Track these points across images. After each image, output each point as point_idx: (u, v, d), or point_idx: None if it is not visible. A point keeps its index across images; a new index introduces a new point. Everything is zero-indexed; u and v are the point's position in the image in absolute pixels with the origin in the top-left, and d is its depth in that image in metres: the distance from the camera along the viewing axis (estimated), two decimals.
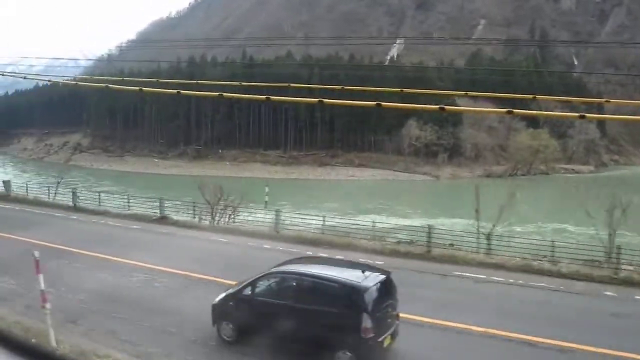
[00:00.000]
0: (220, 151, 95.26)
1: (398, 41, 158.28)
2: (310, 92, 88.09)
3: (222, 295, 11.15)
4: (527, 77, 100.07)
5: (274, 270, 10.92)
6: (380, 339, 9.72)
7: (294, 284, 10.65)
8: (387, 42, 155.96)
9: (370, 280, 10.00)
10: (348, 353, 9.61)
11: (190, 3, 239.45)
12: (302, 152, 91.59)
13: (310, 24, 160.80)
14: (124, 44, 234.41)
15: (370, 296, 9.78)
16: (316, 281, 10.43)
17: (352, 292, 9.89)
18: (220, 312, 10.96)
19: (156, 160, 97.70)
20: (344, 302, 9.95)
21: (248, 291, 10.77)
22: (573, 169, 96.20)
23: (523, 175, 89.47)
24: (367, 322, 9.44)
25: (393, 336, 10.25)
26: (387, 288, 10.30)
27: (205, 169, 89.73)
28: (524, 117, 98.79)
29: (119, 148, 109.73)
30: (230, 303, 10.92)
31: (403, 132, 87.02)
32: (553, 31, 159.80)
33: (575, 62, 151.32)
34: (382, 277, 10.30)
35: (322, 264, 12.35)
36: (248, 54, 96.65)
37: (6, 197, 31.31)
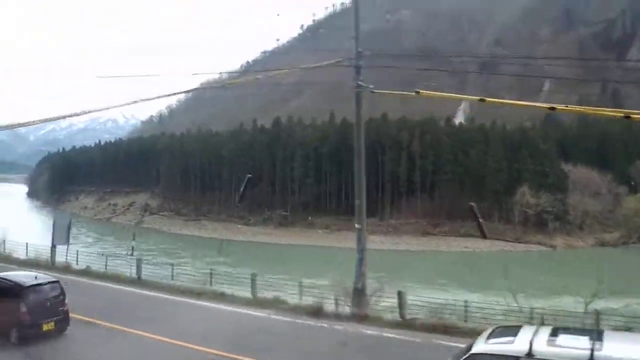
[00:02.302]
0: (309, 218, 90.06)
1: (463, 104, 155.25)
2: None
3: None
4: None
5: None
6: (38, 324, 14.00)
7: None
8: (455, 103, 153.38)
9: (34, 282, 14.67)
10: (16, 331, 13.95)
11: (242, 65, 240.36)
12: (400, 220, 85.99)
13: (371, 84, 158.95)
14: (173, 105, 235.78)
15: (29, 291, 14.28)
16: (3, 281, 14.75)
17: (17, 288, 14.33)
18: None
19: (239, 226, 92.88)
20: (13, 295, 14.15)
21: None
22: None
23: (634, 243, 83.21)
24: (23, 309, 13.86)
25: (57, 324, 14.42)
26: (51, 289, 14.71)
27: (297, 237, 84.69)
28: (623, 181, 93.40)
29: (193, 211, 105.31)
30: None
31: (515, 199, 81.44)
32: (622, 88, 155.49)
33: None
34: (47, 280, 15.07)
35: (22, 272, 17.18)
36: (338, 118, 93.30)
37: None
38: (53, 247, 28.27)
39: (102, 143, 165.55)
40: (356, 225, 19.46)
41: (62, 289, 14.93)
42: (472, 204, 50.85)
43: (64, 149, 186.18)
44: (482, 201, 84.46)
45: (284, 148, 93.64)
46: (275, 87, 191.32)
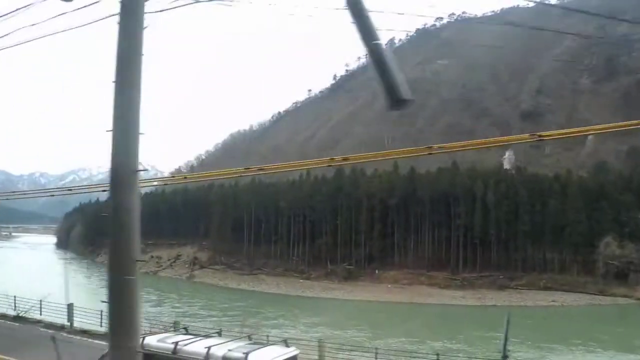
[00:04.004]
0: (376, 272, 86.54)
1: (507, 152, 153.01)
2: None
3: None
4: None
5: None
6: None
7: None
8: (498, 152, 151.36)
9: None
10: None
11: (273, 115, 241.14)
12: (473, 273, 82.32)
13: (412, 136, 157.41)
14: (203, 156, 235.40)
15: None
16: None
17: None
18: None
19: (301, 280, 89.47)
20: None
21: None
22: None
23: None
24: None
25: None
26: None
27: (367, 292, 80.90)
28: None
29: (246, 265, 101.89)
30: None
31: (599, 250, 77.80)
32: None
33: None
34: None
35: None
36: (404, 168, 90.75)
37: None
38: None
39: (144, 193, 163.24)
40: None
41: None
42: None
43: (97, 199, 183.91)
44: (561, 253, 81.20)
45: (347, 199, 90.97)
46: (315, 134, 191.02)
